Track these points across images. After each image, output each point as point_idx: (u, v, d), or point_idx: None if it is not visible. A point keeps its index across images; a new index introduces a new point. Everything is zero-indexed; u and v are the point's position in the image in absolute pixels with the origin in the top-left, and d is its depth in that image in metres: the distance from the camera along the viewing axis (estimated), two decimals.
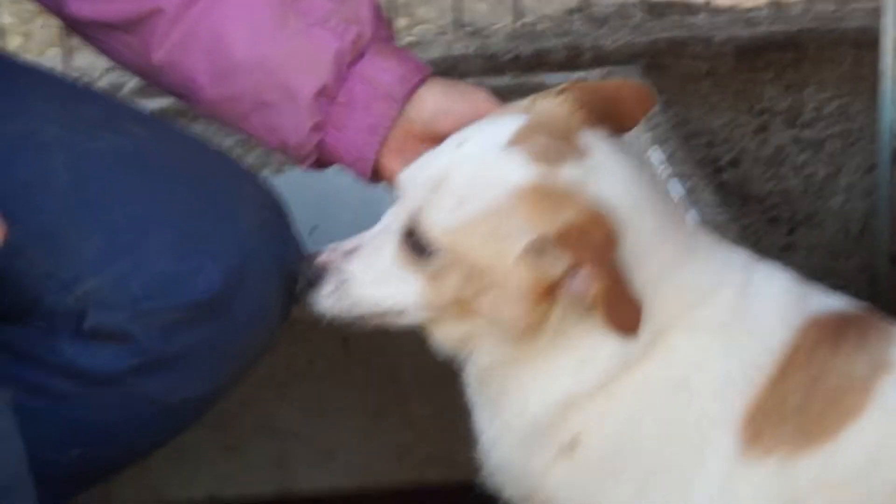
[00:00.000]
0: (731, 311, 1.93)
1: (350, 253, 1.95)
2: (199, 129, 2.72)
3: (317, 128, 2.07)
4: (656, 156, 2.73)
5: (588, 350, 1.90)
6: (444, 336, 1.97)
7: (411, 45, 3.27)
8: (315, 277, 1.96)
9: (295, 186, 2.53)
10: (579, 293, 1.84)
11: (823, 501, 1.87)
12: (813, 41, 3.24)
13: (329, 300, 1.94)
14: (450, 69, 3.10)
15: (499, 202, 1.85)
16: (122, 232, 2.09)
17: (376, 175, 2.06)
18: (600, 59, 3.17)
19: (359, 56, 2.05)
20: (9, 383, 1.97)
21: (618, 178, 1.90)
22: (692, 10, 3.40)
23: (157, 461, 2.41)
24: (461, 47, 3.22)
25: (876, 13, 3.06)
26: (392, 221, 1.93)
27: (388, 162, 2.05)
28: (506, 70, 3.14)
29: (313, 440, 2.68)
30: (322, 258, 1.96)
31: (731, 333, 1.92)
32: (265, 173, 2.81)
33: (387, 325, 1.98)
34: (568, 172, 1.85)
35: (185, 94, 2.16)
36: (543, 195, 1.84)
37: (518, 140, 1.87)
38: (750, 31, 3.26)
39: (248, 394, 2.36)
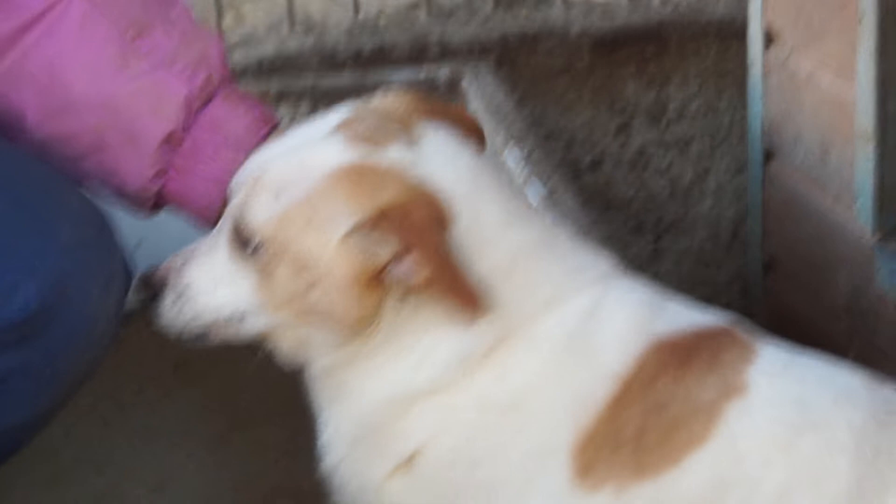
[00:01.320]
0: (577, 326, 1.89)
1: (186, 262, 1.92)
2: None
3: (159, 174, 2.06)
4: (512, 155, 2.70)
5: (425, 347, 1.86)
6: (286, 344, 1.92)
7: (241, 41, 3.25)
8: (156, 292, 1.93)
9: None
10: (407, 279, 1.81)
11: None
12: (675, 33, 3.22)
13: (171, 313, 1.91)
14: (285, 66, 3.10)
15: (316, 186, 1.83)
16: None
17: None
18: (447, 53, 3.13)
19: (207, 101, 2.06)
20: None
21: (452, 163, 1.88)
22: (546, 1, 3.37)
23: None
24: (295, 43, 3.17)
25: (742, 2, 3.00)
26: (223, 224, 1.91)
27: None
28: (346, 66, 3.11)
29: (143, 473, 2.60)
30: (160, 271, 1.92)
31: (570, 353, 1.88)
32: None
33: (232, 337, 1.92)
34: (394, 154, 1.83)
35: (6, 128, 2.10)
36: (363, 176, 1.82)
37: (343, 126, 1.86)
38: (608, 24, 3.24)
39: (72, 423, 2.33)
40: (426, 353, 1.89)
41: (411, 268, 1.80)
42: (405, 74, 3.00)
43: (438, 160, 1.88)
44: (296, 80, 3.03)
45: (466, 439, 1.89)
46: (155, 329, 2.04)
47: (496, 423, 1.89)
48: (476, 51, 3.14)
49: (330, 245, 1.82)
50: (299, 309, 1.88)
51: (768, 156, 2.85)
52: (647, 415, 1.86)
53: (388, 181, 1.82)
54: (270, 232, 1.85)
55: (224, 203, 2.02)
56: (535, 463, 1.88)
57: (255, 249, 1.86)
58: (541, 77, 3.19)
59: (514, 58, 3.15)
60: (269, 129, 2.07)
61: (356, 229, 1.81)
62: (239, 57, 3.13)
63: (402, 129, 1.89)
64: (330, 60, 3.11)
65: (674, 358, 1.88)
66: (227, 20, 3.58)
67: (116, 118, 2.07)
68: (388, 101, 1.94)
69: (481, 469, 1.89)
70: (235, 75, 2.65)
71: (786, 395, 1.87)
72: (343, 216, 1.82)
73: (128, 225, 2.22)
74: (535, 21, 3.23)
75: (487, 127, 2.76)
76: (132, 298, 2.04)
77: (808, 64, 2.71)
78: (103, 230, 2.11)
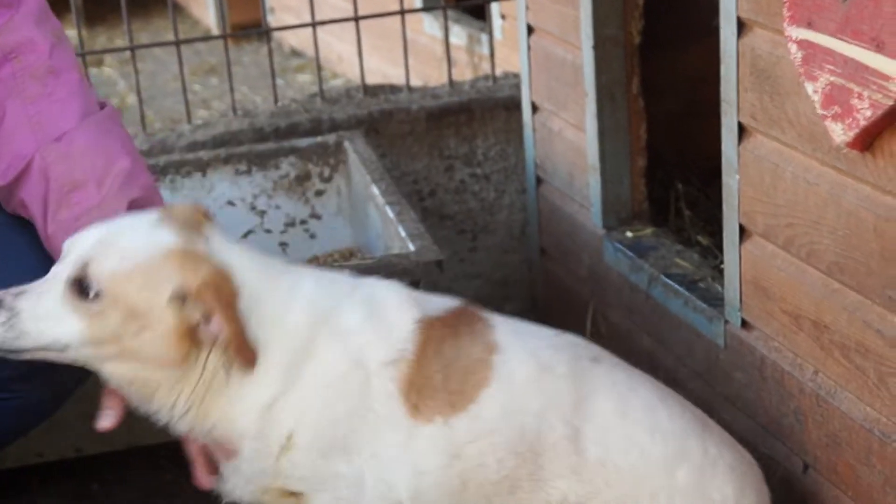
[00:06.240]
0: (363, 315, 1.96)
1: (20, 294, 1.89)
2: None
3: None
4: (375, 190, 2.78)
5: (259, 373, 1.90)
6: (111, 374, 1.92)
7: (203, 125, 3.27)
8: None
9: None
10: (215, 335, 1.86)
11: (478, 449, 1.95)
12: (478, 106, 3.32)
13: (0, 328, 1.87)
14: (230, 140, 3.16)
15: (153, 258, 1.87)
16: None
17: None
18: (334, 127, 3.21)
19: None
20: None
21: (232, 252, 1.94)
22: (395, 90, 3.47)
23: None
24: (237, 124, 3.24)
25: (518, 87, 3.23)
26: (59, 272, 1.89)
27: None
28: (269, 138, 3.19)
29: None
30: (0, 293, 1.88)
31: (371, 330, 1.95)
32: None
33: (54, 359, 1.90)
34: (201, 246, 1.91)
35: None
36: (187, 257, 1.87)
37: (164, 221, 1.92)
38: (436, 102, 3.33)
39: None
40: (262, 374, 1.91)
41: (218, 327, 1.85)
42: (307, 141, 3.07)
43: (224, 251, 1.93)
44: (237, 148, 3.08)
45: (321, 411, 1.94)
46: None
47: (338, 391, 1.94)
48: (353, 124, 3.22)
49: (159, 303, 1.85)
50: (124, 348, 1.87)
51: (539, 181, 3.08)
52: (445, 368, 1.95)
53: (202, 264, 1.87)
54: (112, 284, 1.86)
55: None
56: (378, 408, 1.94)
57: (95, 296, 1.86)
58: (395, 138, 3.27)
59: (377, 127, 3.24)
60: None
61: (179, 294, 1.85)
62: (200, 135, 3.17)
63: (197, 229, 1.94)
64: (259, 133, 3.19)
65: (445, 329, 1.98)
66: (196, 112, 3.80)
67: (48, 239, 2.07)
68: (182, 208, 1.98)
69: (341, 426, 1.95)
70: (198, 146, 2.96)
71: (524, 349, 2.00)
72: (171, 283, 1.86)
73: None
74: (390, 102, 3.32)
75: (363, 173, 2.87)
76: None
77: (558, 123, 2.91)
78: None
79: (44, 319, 1.88)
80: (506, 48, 4.13)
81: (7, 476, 2.56)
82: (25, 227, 2.15)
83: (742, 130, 2.13)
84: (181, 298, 1.85)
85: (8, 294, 1.87)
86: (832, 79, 1.77)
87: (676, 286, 2.49)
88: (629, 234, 2.74)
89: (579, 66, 2.71)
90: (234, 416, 1.92)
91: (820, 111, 1.82)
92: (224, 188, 3.03)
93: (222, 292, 1.86)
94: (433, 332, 1.97)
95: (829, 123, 1.80)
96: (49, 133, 2.07)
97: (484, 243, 3.42)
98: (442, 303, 2.04)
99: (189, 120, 3.39)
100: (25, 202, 2.09)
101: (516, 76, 3.41)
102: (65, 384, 2.19)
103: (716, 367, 2.29)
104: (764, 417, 2.08)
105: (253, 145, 3.11)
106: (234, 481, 2.00)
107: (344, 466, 1.95)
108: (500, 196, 3.40)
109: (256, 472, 1.96)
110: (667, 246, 2.66)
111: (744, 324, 2.24)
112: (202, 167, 3.01)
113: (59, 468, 2.26)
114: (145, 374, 1.90)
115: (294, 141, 3.12)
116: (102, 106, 2.18)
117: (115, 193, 2.06)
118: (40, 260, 2.08)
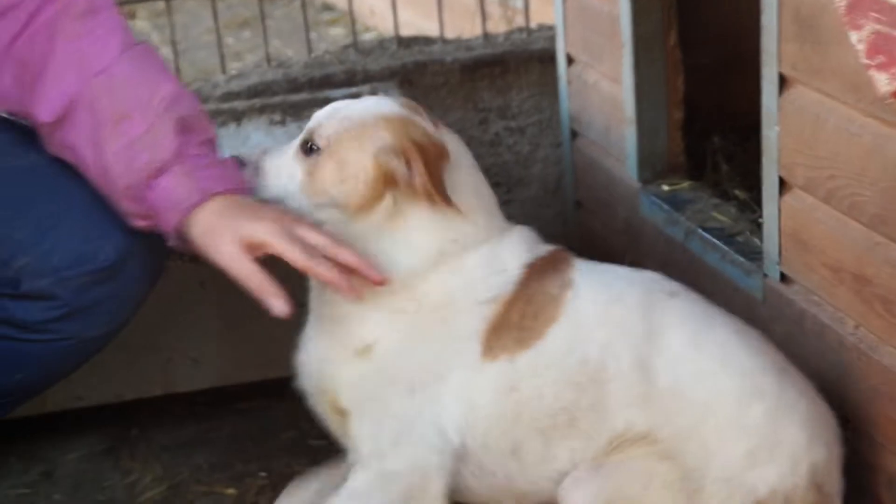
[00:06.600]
0: (486, 258, 2.05)
1: (267, 153, 2.12)
2: None
3: (130, 216, 2.12)
4: None
5: (412, 238, 2.02)
6: (325, 222, 2.04)
7: (236, 76, 3.30)
8: (245, 165, 2.11)
9: None
10: (411, 181, 1.99)
11: (536, 383, 1.99)
12: (513, 59, 3.30)
13: (250, 179, 2.10)
14: (264, 90, 3.18)
15: (367, 120, 2.04)
16: (43, 223, 2.14)
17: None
18: (368, 78, 3.22)
19: (159, 172, 2.07)
20: None
21: (457, 143, 2.11)
22: (430, 41, 3.48)
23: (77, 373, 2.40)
24: (271, 75, 3.24)
25: (552, 39, 3.21)
26: (297, 138, 2.11)
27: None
28: (303, 89, 3.19)
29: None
30: (252, 155, 2.14)
31: (483, 274, 2.04)
32: None
33: (288, 206, 2.06)
34: (427, 123, 2.07)
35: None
36: (401, 122, 2.03)
37: (391, 101, 2.12)
38: (469, 54, 3.32)
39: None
40: (411, 242, 2.03)
41: (416, 175, 1.99)
42: (341, 92, 3.03)
43: (450, 139, 2.10)
44: (272, 98, 3.09)
45: (408, 334, 2.02)
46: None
47: (430, 318, 2.02)
48: (387, 75, 3.22)
49: (365, 155, 2.02)
50: (331, 198, 2.03)
51: (574, 134, 3.04)
52: (524, 306, 2.02)
53: (416, 130, 2.03)
54: (329, 141, 2.04)
55: (180, 236, 2.09)
56: (457, 346, 2.01)
57: (316, 151, 2.04)
58: (429, 90, 3.27)
59: (411, 79, 3.25)
60: (199, 201, 2.06)
61: (385, 150, 2.01)
62: (235, 86, 3.19)
63: (421, 114, 2.10)
64: (293, 84, 3.20)
65: (536, 271, 2.06)
66: (229, 64, 3.75)
67: (105, 173, 2.12)
68: (413, 104, 2.14)
69: (417, 355, 2.02)
70: (233, 97, 3.01)
71: (598, 282, 2.06)
72: (380, 140, 2.02)
73: None
74: (423, 54, 3.33)
75: None
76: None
77: (593, 75, 2.88)
78: None
79: (275, 172, 2.08)
80: (540, 1, 4.08)
81: (47, 419, 2.60)
82: (66, 167, 2.19)
83: (783, 81, 2.10)
84: (386, 153, 1.99)
85: (258, 154, 2.11)
86: (877, 27, 1.75)
87: (714, 240, 2.47)
88: (665, 187, 2.72)
89: (616, 16, 2.68)
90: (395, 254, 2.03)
91: (864, 60, 1.78)
92: (259, 138, 3.00)
93: (428, 152, 1.99)
94: (527, 275, 2.04)
95: (874, 73, 1.77)
96: (91, 69, 2.11)
97: (518, 196, 3.42)
98: (542, 249, 2.12)
99: (223, 71, 3.40)
100: (72, 144, 2.13)
101: (551, 28, 3.38)
102: (110, 321, 2.24)
103: (754, 321, 2.26)
104: (804, 372, 2.06)
105: (287, 96, 3.11)
106: (310, 350, 2.08)
107: (400, 402, 1.99)
108: (534, 149, 3.39)
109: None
110: (704, 199, 2.64)
111: (783, 277, 2.22)
112: (237, 117, 3.00)
113: (98, 413, 2.29)
114: (348, 228, 2.02)
115: (328, 92, 3.11)
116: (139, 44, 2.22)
117: (161, 116, 2.10)
118: (84, 196, 2.15)
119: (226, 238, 2.02)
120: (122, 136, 2.09)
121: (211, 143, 2.17)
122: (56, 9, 2.13)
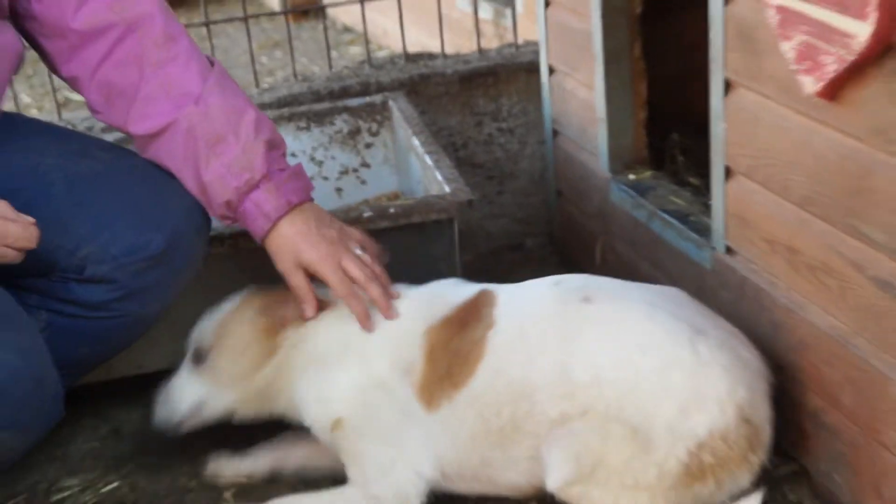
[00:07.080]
0: (382, 336, 2.01)
1: (169, 380, 2.09)
2: None
3: (226, 219, 2.14)
4: (416, 142, 2.74)
5: (320, 343, 2.02)
6: (248, 410, 2.06)
7: (268, 90, 3.27)
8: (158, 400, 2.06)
9: None
10: (285, 314, 2.02)
11: (476, 411, 1.93)
12: (503, 70, 3.28)
13: (160, 413, 2.07)
14: (292, 101, 3.15)
15: (234, 306, 2.06)
16: (103, 217, 2.10)
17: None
18: (380, 89, 3.19)
19: (253, 188, 2.08)
20: (42, 311, 2.13)
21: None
22: (433, 57, 3.46)
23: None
24: (298, 88, 3.23)
25: (537, 52, 3.20)
26: (188, 355, 2.08)
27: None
28: (325, 99, 3.17)
29: None
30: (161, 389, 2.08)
31: (385, 346, 2.00)
32: None
33: (201, 424, 2.06)
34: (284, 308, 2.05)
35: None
36: (260, 295, 2.05)
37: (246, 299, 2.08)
38: (466, 67, 3.30)
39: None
40: (319, 349, 2.02)
41: (290, 310, 2.01)
42: (357, 101, 3.04)
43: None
44: (298, 107, 3.05)
45: (363, 406, 1.99)
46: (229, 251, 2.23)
47: (373, 395, 1.99)
48: (397, 86, 3.20)
49: (246, 329, 2.03)
50: (232, 376, 2.02)
51: (555, 133, 2.97)
52: (451, 358, 1.95)
53: (270, 295, 2.05)
54: (214, 336, 2.03)
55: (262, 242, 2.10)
56: (403, 409, 1.97)
57: (202, 357, 2.03)
58: (433, 98, 3.26)
59: (417, 89, 3.23)
60: (286, 212, 2.08)
61: (258, 311, 2.03)
62: (267, 98, 3.17)
63: (279, 298, 2.05)
64: (316, 95, 3.18)
65: (455, 324, 1.98)
66: (267, 79, 3.81)
67: (205, 190, 2.13)
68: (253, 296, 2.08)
69: (376, 420, 1.99)
70: (265, 107, 2.98)
71: (514, 312, 1.96)
72: (250, 309, 2.05)
73: None
74: (428, 67, 3.30)
75: (405, 128, 2.85)
76: None
77: (571, 83, 2.81)
78: (197, 205, 2.18)
79: (178, 393, 2.05)
80: (526, 20, 4.08)
81: (114, 385, 2.54)
82: (124, 172, 2.18)
83: (728, 85, 2.09)
84: (259, 314, 2.00)
85: (164, 383, 2.06)
86: (804, 38, 1.75)
87: (671, 220, 2.45)
88: (632, 176, 2.67)
89: (589, 33, 2.64)
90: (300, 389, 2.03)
91: (794, 66, 1.80)
92: (288, 142, 3.00)
93: (286, 297, 1.98)
94: (440, 331, 1.97)
95: (802, 77, 1.79)
96: (179, 93, 2.10)
97: (509, 187, 3.39)
98: (461, 292, 2.03)
99: (257, 85, 3.37)
100: (167, 157, 2.14)
101: (535, 44, 3.36)
102: (160, 300, 2.21)
103: (704, 287, 2.28)
104: (744, 328, 2.06)
105: (311, 105, 3.08)
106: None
107: (376, 451, 1.97)
108: (522, 147, 3.36)
109: None
110: (664, 186, 2.61)
111: (728, 250, 2.22)
112: None
113: (156, 378, 2.25)
114: (254, 400, 2.02)
115: (346, 101, 3.09)
116: (211, 63, 2.18)
117: (252, 139, 2.09)
118: (138, 198, 2.14)
119: (288, 256, 2.08)
120: (218, 156, 2.09)
121: (285, 155, 2.18)
122: (138, 37, 2.10)
